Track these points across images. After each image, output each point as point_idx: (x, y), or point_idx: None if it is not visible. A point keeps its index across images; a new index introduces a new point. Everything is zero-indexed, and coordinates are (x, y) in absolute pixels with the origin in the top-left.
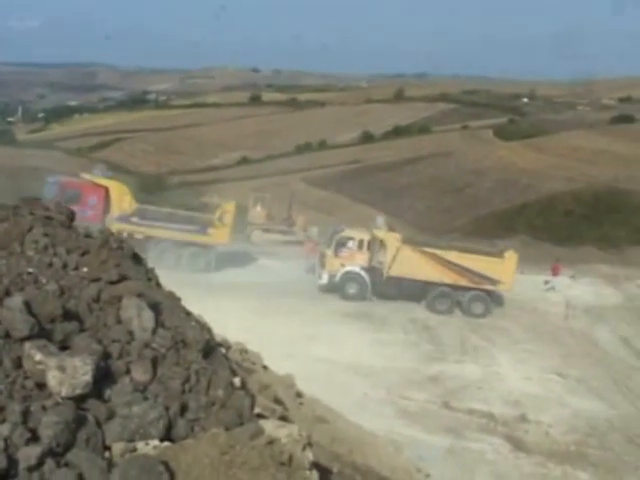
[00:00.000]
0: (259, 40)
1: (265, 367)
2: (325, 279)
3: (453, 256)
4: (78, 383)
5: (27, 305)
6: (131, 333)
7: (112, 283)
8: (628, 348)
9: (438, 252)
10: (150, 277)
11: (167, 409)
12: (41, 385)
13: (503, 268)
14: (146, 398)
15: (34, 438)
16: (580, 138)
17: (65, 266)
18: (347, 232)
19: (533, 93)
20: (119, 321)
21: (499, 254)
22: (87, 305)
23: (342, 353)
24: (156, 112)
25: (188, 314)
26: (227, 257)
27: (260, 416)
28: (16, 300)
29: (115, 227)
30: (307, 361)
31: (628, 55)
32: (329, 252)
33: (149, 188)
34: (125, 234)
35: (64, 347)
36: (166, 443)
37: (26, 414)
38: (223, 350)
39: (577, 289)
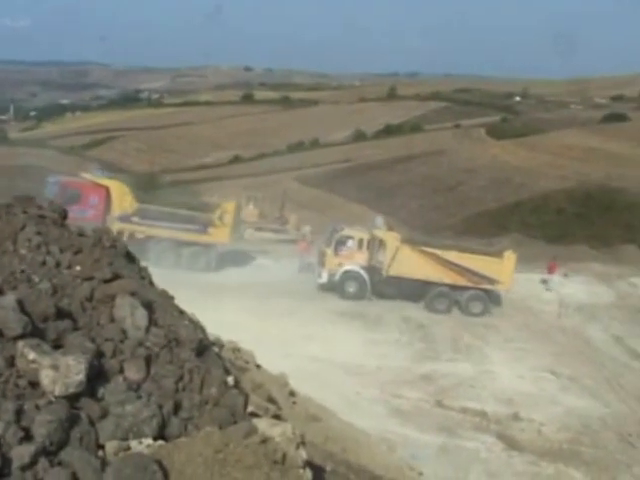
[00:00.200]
0: (252, 38)
1: (258, 366)
2: (324, 278)
3: (452, 256)
4: (71, 382)
5: (20, 304)
6: (124, 332)
7: (105, 282)
8: (621, 346)
9: (438, 252)
10: (143, 275)
11: (160, 408)
12: (34, 384)
13: (502, 268)
14: (139, 397)
15: (27, 437)
16: (572, 136)
17: (58, 265)
18: (347, 231)
19: (526, 92)
20: (112, 320)
21: (498, 254)
22: (80, 304)
23: (335, 352)
24: (148, 110)
25: (181, 313)
26: (222, 256)
27: (253, 415)
28: (9, 299)
29: (116, 227)
30: (300, 360)
31: (620, 53)
32: (329, 251)
33: (142, 186)
34: (126, 233)
35: (57, 346)
36: (160, 442)
37: (19, 413)
38: (216, 349)
39: (570, 287)
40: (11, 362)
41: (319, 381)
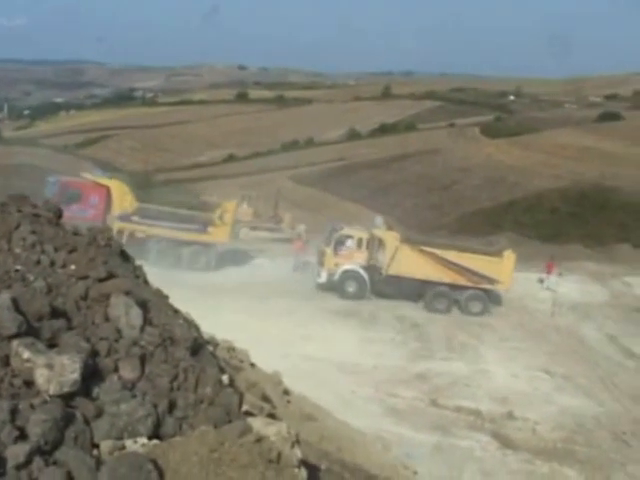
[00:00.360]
0: (246, 38)
1: (253, 365)
2: (324, 278)
3: (452, 255)
4: (66, 381)
5: (15, 303)
6: (119, 331)
7: (100, 281)
8: (614, 345)
9: (437, 251)
10: (138, 274)
11: (155, 407)
12: (29, 383)
13: (501, 267)
14: (134, 396)
15: (22, 436)
16: (567, 136)
17: (53, 264)
18: (346, 230)
19: (520, 91)
20: (107, 319)
21: (498, 253)
22: (75, 303)
23: (330, 351)
24: (143, 109)
25: (176, 312)
26: (221, 255)
27: (248, 414)
28: (3, 298)
29: (116, 226)
30: (295, 359)
31: (614, 53)
32: (328, 250)
33: (136, 185)
34: (126, 233)
35: (52, 345)
36: (154, 441)
37: (14, 412)
38: (211, 348)
39: (564, 286)
40: (6, 361)
41: (314, 380)
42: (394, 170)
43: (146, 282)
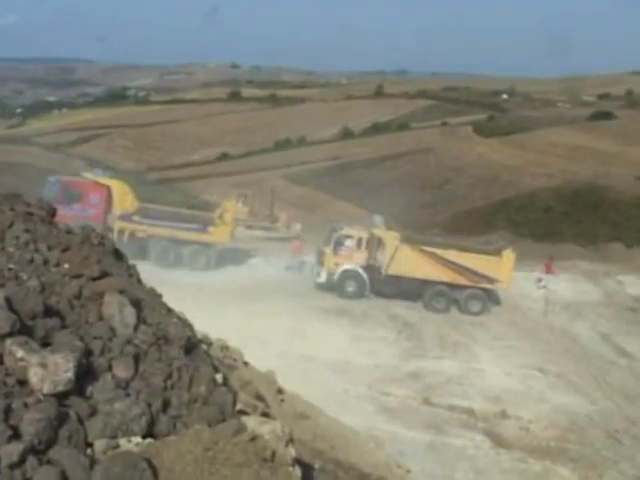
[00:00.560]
0: (240, 37)
1: (246, 363)
2: (323, 277)
3: (452, 255)
4: (60, 380)
5: (8, 301)
6: (113, 329)
7: (93, 279)
8: (607, 344)
9: (437, 251)
10: (131, 273)
11: (149, 406)
12: (23, 382)
13: (501, 267)
14: (128, 395)
15: (16, 435)
16: (560, 135)
17: (46, 262)
18: (346, 230)
19: (513, 90)
20: (101, 318)
21: (497, 253)
22: (68, 302)
23: (323, 350)
24: (135, 108)
25: (169, 311)
26: (221, 255)
27: (242, 412)
28: None
29: (117, 226)
30: (288, 358)
31: (607, 52)
32: (328, 250)
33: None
34: (127, 232)
35: (46, 344)
36: (149, 440)
37: (8, 411)
38: (204, 347)
39: (557, 285)
40: None
41: (307, 378)
42: (387, 169)
43: (140, 281)
